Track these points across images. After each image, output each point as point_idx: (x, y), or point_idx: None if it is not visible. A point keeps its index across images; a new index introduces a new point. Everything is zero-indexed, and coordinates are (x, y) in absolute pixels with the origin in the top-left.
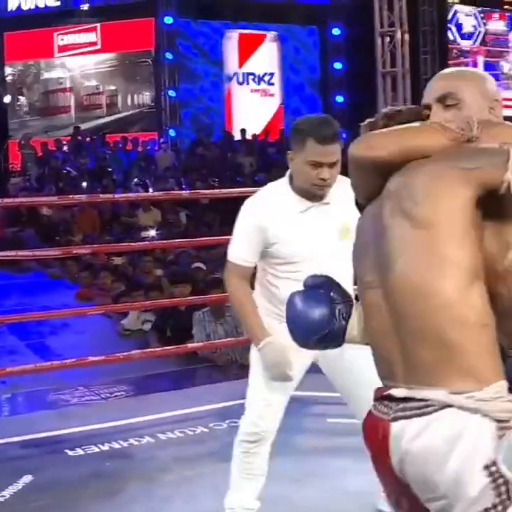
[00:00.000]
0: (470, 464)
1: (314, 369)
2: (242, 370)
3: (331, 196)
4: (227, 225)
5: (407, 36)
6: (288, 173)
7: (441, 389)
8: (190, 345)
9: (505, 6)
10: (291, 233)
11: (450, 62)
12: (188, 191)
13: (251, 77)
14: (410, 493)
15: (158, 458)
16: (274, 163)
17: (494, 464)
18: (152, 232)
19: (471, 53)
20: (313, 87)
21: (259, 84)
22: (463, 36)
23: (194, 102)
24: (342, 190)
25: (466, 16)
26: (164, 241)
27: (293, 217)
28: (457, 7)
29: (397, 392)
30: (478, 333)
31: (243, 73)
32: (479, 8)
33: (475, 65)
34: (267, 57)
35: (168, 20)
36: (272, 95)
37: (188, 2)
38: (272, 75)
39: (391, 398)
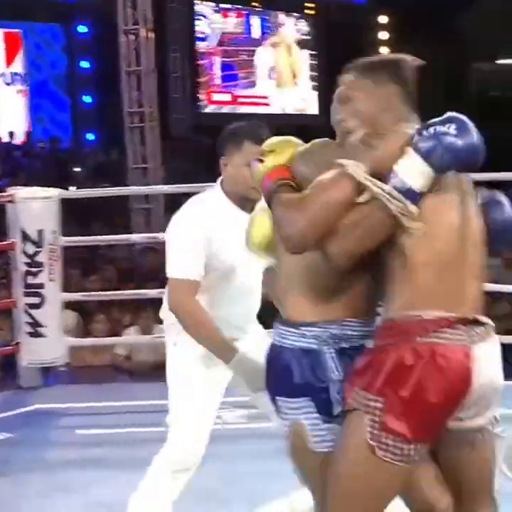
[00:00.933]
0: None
1: (61, 380)
2: None
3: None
4: None
5: (152, 34)
6: (219, 181)
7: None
8: None
9: (254, 4)
10: (230, 244)
11: (199, 62)
12: None
13: (18, 77)
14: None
15: None
16: (20, 167)
17: None
18: None
19: (207, 54)
20: (61, 88)
21: (22, 84)
22: (199, 38)
23: None
24: None
25: (205, 15)
26: None
27: (230, 227)
28: (198, 7)
29: (480, 317)
30: None
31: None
32: (216, 6)
33: (211, 66)
34: (19, 56)
35: None
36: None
37: None
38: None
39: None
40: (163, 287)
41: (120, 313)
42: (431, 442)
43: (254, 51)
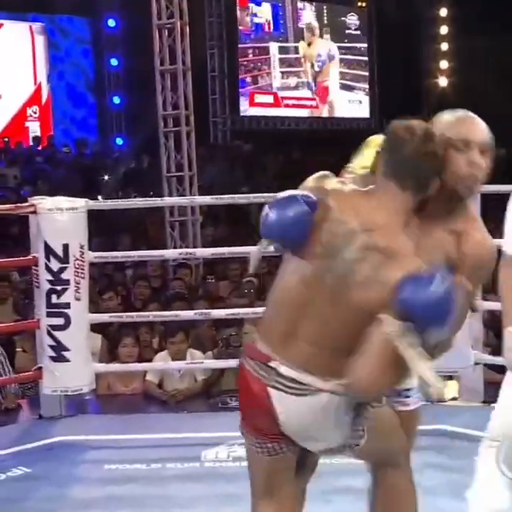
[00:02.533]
0: (339, 419)
1: (85, 409)
2: None
3: None
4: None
5: (187, 29)
6: None
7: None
8: None
9: None
10: None
11: (241, 59)
12: None
13: (40, 75)
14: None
15: None
16: (43, 175)
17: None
18: None
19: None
20: (87, 87)
21: (45, 83)
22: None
23: None
24: None
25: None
26: None
27: None
28: None
29: (284, 370)
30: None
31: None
32: None
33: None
34: (41, 52)
35: None
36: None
37: None
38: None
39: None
40: (196, 308)
41: (149, 335)
42: (273, 441)
43: (265, 48)
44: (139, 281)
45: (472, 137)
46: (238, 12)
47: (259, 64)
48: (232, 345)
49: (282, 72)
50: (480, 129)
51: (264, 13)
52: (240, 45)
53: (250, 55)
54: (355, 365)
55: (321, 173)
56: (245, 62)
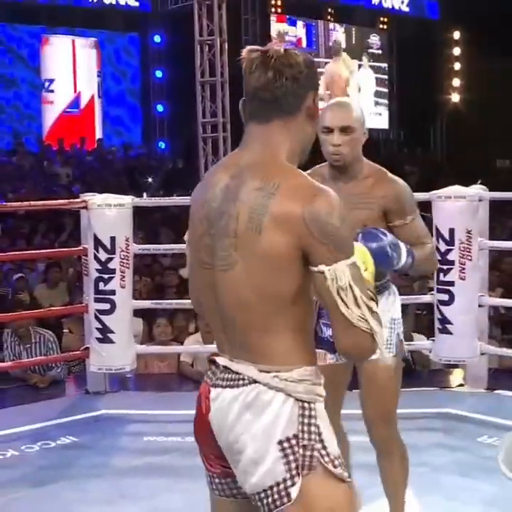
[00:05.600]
0: (267, 437)
1: (126, 386)
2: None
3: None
4: (47, 236)
5: (226, 45)
6: None
7: (253, 365)
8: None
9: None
10: None
11: None
12: None
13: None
14: (221, 454)
15: None
16: (91, 174)
17: (288, 440)
18: None
19: None
20: (134, 96)
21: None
22: None
23: (8, 109)
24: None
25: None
26: None
27: None
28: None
29: (220, 360)
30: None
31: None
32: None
33: None
34: (87, 64)
35: None
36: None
37: (3, 5)
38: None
39: (216, 365)
40: None
41: (186, 321)
42: (219, 475)
43: None
44: (168, 270)
45: (330, 123)
46: (272, 31)
47: None
48: None
49: None
50: (339, 116)
51: (297, 32)
52: None
53: None
54: None
55: None
56: None
